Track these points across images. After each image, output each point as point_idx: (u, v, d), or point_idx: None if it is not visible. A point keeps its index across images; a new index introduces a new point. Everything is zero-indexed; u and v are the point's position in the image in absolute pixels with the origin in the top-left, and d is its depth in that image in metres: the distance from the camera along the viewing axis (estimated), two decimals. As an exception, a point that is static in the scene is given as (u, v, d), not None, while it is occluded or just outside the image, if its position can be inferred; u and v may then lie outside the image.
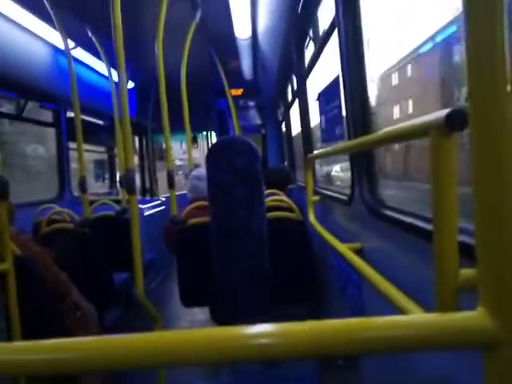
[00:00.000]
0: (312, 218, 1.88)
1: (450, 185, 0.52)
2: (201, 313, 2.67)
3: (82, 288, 1.92)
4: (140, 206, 3.43)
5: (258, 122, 6.11)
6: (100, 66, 3.62)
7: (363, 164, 1.28)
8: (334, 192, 1.91)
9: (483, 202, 0.38)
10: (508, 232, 0.37)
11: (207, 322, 2.35)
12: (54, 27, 2.47)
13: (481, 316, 0.38)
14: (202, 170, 2.47)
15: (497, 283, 0.38)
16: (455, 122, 0.48)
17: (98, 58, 3.23)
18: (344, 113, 1.43)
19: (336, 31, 1.44)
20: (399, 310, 0.74)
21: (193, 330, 0.39)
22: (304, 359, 0.37)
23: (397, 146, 2.09)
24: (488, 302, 0.38)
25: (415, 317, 0.45)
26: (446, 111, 0.50)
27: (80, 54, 3.37)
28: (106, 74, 3.22)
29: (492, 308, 0.37)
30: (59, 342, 0.39)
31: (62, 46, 2.54)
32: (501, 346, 0.37)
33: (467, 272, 0.54)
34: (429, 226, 0.80)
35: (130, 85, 4.31)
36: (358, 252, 1.27)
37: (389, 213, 1.06)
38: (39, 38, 2.85)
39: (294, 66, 2.69)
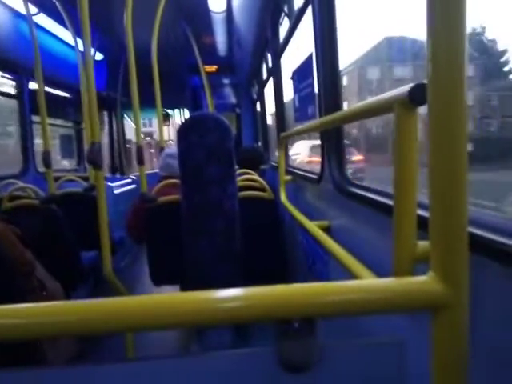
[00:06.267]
0: (283, 197, 1.90)
1: (410, 159, 0.53)
2: (171, 291, 2.68)
3: (48, 266, 1.87)
4: (109, 184, 3.34)
5: (233, 100, 6.02)
6: (67, 35, 3.43)
7: (333, 143, 1.29)
8: (305, 171, 1.93)
9: (437, 179, 0.40)
10: (457, 204, 0.39)
11: None
12: None
13: (431, 280, 0.40)
14: (175, 148, 2.44)
15: (446, 250, 0.39)
16: (417, 96, 0.49)
17: (64, 26, 3.05)
18: (316, 91, 1.43)
19: (310, 8, 1.42)
20: None
21: (154, 295, 0.40)
22: (260, 322, 0.38)
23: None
24: (438, 268, 0.40)
25: (368, 281, 0.47)
26: (408, 86, 0.51)
27: (44, 20, 3.17)
28: (73, 43, 3.05)
29: (441, 273, 0.39)
30: (20, 308, 0.38)
31: (23, 11, 2.38)
32: (448, 308, 0.39)
33: (424, 244, 0.56)
34: (390, 202, 0.83)
35: (99, 56, 4.11)
36: (326, 229, 1.30)
37: (355, 190, 1.08)
38: None
39: (269, 43, 2.65)
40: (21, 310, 0.38)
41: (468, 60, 0.38)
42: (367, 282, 0.44)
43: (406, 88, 0.51)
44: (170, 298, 0.40)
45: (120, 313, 0.38)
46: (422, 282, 0.40)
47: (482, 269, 0.54)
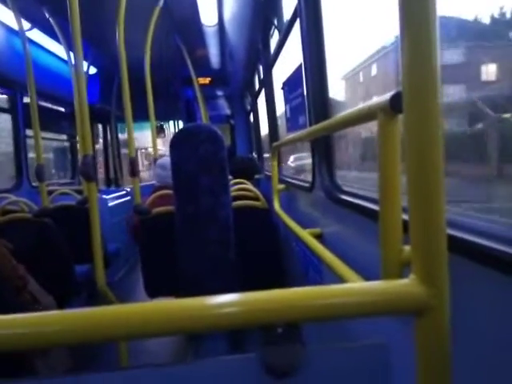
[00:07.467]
0: (277, 206, 1.91)
1: (393, 165, 0.54)
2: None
3: (41, 280, 1.85)
4: (104, 196, 3.33)
5: (227, 112, 6.06)
6: (60, 50, 3.46)
7: (323, 151, 1.31)
8: (298, 180, 1.94)
9: (414, 184, 0.41)
10: (436, 209, 0.40)
11: None
12: (7, 6, 2.33)
13: (412, 283, 0.40)
14: (167, 159, 2.46)
15: (426, 253, 0.40)
16: (397, 103, 0.50)
17: (57, 41, 3.08)
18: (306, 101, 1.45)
19: (298, 21, 1.45)
20: None
21: (146, 303, 0.40)
22: (246, 328, 0.38)
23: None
24: (419, 270, 0.40)
25: (349, 285, 0.47)
26: (389, 94, 0.52)
27: (38, 36, 3.19)
28: (66, 58, 3.08)
29: (422, 275, 0.40)
30: (14, 318, 0.38)
31: (16, 27, 2.40)
32: (430, 309, 0.39)
33: (409, 248, 0.57)
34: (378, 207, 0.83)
35: (93, 70, 4.14)
36: (319, 237, 1.30)
37: (345, 197, 1.10)
38: None
39: (260, 55, 2.69)
40: (10, 321, 0.38)
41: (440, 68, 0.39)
42: (348, 286, 0.45)
43: (388, 96, 0.52)
44: (150, 306, 0.40)
45: (111, 321, 0.38)
46: (404, 284, 0.41)
47: (462, 270, 0.55)
